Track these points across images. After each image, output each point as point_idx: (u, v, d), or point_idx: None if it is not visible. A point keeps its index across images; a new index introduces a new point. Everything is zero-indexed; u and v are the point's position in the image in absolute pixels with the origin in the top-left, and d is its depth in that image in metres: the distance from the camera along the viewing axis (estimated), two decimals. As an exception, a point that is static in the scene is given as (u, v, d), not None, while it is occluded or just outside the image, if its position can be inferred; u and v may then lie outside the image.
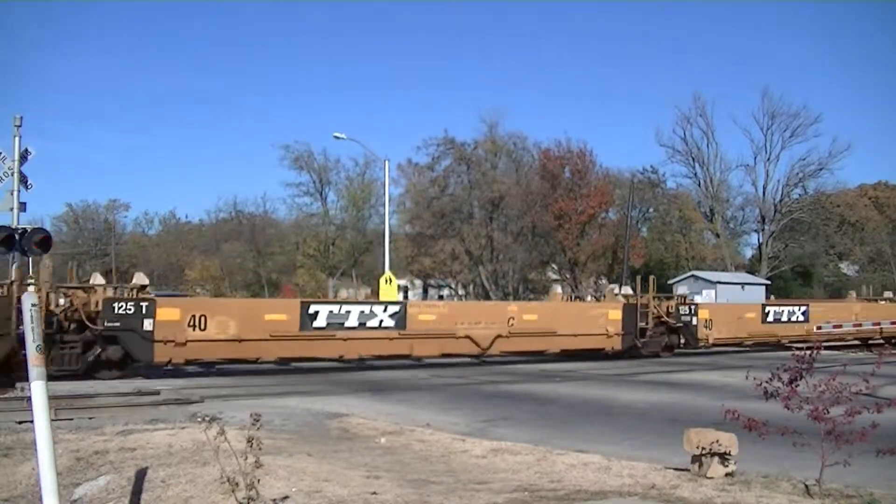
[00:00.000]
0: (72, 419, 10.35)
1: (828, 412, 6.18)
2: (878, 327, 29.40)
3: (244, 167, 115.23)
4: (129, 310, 16.87)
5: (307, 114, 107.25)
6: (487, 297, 49.44)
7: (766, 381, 6.41)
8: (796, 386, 6.36)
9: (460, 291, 56.87)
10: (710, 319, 25.35)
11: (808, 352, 6.42)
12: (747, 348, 28.15)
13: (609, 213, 53.95)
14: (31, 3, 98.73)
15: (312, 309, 19.43)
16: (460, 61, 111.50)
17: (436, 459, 8.02)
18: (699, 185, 59.63)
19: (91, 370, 16.66)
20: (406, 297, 52.51)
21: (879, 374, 6.43)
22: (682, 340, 25.25)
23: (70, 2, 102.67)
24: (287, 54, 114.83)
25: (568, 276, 53.79)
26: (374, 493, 6.13)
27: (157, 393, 13.61)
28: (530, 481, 6.88)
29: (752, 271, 55.12)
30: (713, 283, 41.04)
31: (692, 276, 44.23)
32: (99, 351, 16.72)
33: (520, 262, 52.06)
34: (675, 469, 7.05)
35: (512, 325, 21.65)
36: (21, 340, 16.29)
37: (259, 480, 5.17)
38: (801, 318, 28.51)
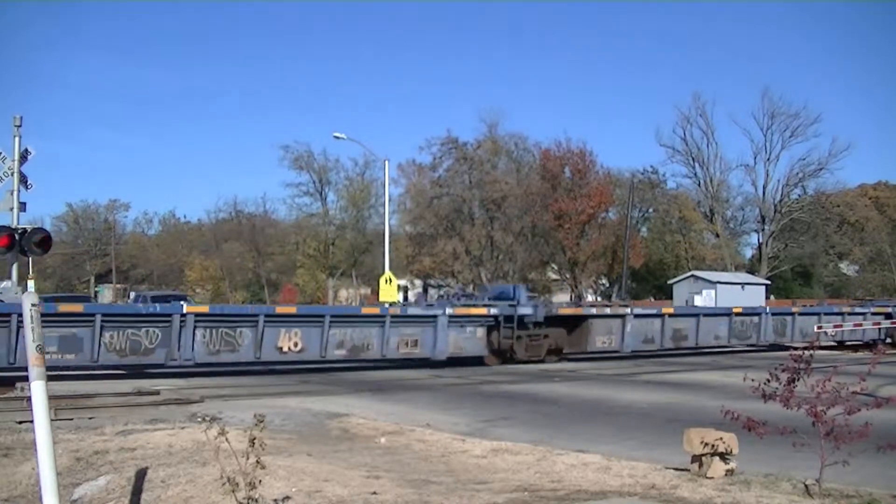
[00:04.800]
0: (72, 419, 10.35)
1: (825, 412, 6.19)
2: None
3: (244, 167, 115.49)
4: None
5: (307, 114, 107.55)
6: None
7: (764, 383, 6.41)
8: (794, 386, 6.36)
9: (461, 292, 56.74)
10: None
11: (806, 352, 6.42)
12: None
13: (609, 213, 53.95)
14: (32, 2, 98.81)
15: None
16: (460, 61, 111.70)
17: (436, 459, 8.03)
18: (699, 185, 59.68)
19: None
20: (406, 297, 52.28)
21: (880, 374, 6.44)
22: None
23: (70, 1, 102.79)
24: (287, 53, 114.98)
25: (568, 275, 53.78)
26: (374, 493, 6.14)
27: (157, 393, 13.63)
28: (530, 481, 6.88)
29: (752, 271, 55.13)
30: (713, 283, 41.07)
31: (692, 276, 44.27)
32: None
33: (520, 262, 52.01)
34: (675, 469, 7.05)
35: None
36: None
37: (260, 481, 5.17)
38: None
